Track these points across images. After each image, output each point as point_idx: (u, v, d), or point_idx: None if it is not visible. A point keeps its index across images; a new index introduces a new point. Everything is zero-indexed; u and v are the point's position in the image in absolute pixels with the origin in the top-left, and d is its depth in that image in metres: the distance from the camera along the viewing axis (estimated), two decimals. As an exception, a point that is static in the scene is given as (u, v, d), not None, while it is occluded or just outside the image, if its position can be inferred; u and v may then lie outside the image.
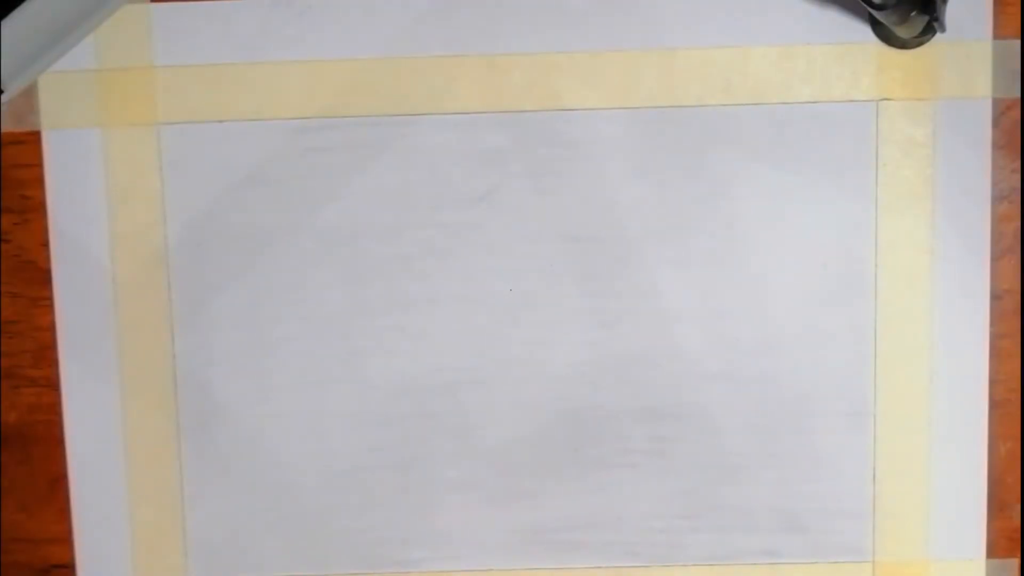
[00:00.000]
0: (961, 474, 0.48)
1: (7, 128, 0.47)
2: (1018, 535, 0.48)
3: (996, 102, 0.47)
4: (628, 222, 0.47)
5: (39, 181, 0.47)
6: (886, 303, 0.47)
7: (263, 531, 0.48)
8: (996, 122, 0.47)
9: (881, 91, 0.47)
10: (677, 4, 0.47)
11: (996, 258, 0.47)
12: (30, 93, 0.47)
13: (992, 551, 0.48)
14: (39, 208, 0.48)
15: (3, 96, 0.44)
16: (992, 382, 0.47)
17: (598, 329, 0.48)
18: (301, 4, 0.47)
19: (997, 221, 0.47)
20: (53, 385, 0.48)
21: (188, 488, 0.48)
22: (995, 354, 0.47)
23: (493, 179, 0.47)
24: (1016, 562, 0.48)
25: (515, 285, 0.48)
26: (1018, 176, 0.47)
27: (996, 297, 0.47)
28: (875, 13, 0.43)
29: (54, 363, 0.48)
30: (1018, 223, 0.47)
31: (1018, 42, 0.46)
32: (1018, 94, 0.47)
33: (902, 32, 0.45)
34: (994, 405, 0.47)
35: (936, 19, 0.43)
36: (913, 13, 0.42)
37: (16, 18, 0.44)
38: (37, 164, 0.47)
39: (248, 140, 0.47)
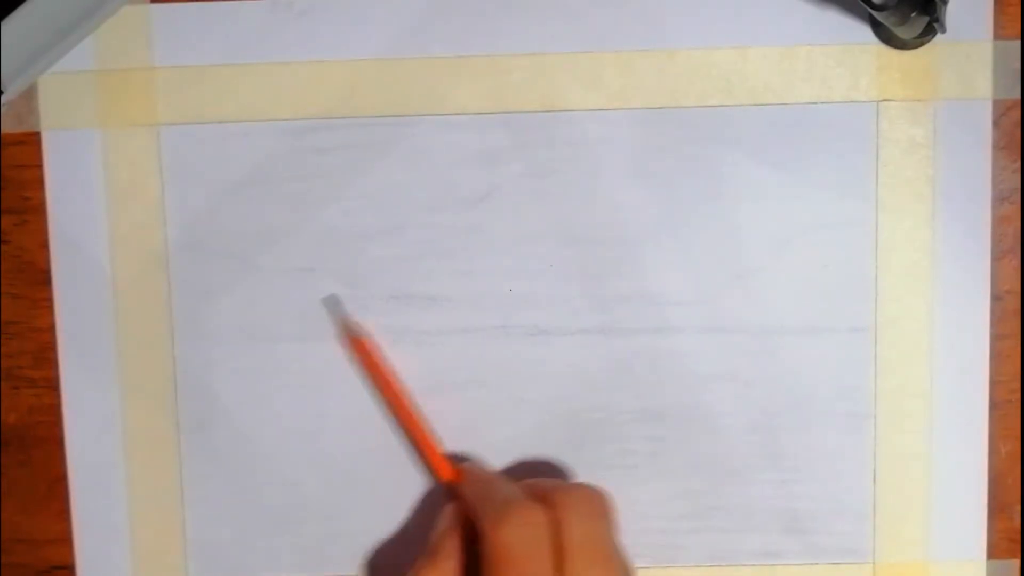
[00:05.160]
0: (962, 475, 0.47)
1: (7, 129, 0.47)
2: (1019, 536, 0.48)
3: (997, 103, 0.47)
4: (628, 222, 0.47)
5: (39, 182, 0.47)
6: (886, 303, 0.47)
7: (263, 532, 0.48)
8: (997, 123, 0.47)
9: (881, 92, 0.47)
10: (677, 4, 0.47)
11: (997, 259, 0.47)
12: (30, 94, 0.47)
13: (993, 552, 0.48)
14: (39, 209, 0.48)
15: (3, 97, 0.44)
16: (993, 383, 0.47)
17: (598, 329, 0.48)
18: (301, 5, 0.47)
19: (998, 222, 0.47)
20: (53, 386, 0.48)
21: (188, 489, 0.48)
22: (996, 355, 0.47)
23: (493, 179, 0.47)
24: (1017, 563, 0.48)
25: (515, 285, 0.48)
26: (1019, 177, 0.47)
27: (997, 298, 0.47)
28: (875, 14, 0.43)
29: (54, 364, 0.48)
30: (1019, 224, 0.47)
31: (1019, 43, 0.46)
32: (1019, 95, 0.46)
33: (902, 33, 0.45)
34: (995, 406, 0.47)
35: (936, 20, 0.43)
36: (913, 14, 0.42)
37: (16, 19, 0.44)
38: (37, 165, 0.47)
39: (248, 141, 0.47)
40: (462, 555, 0.43)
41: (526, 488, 0.43)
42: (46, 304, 0.48)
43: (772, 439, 0.48)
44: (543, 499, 0.41)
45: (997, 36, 0.46)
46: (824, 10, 0.46)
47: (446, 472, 0.46)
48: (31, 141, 0.47)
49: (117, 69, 0.47)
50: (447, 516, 0.44)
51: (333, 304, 0.47)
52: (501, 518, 0.40)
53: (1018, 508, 0.48)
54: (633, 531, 0.48)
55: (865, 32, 0.47)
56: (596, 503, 0.42)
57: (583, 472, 0.48)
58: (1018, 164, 0.47)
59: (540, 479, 0.45)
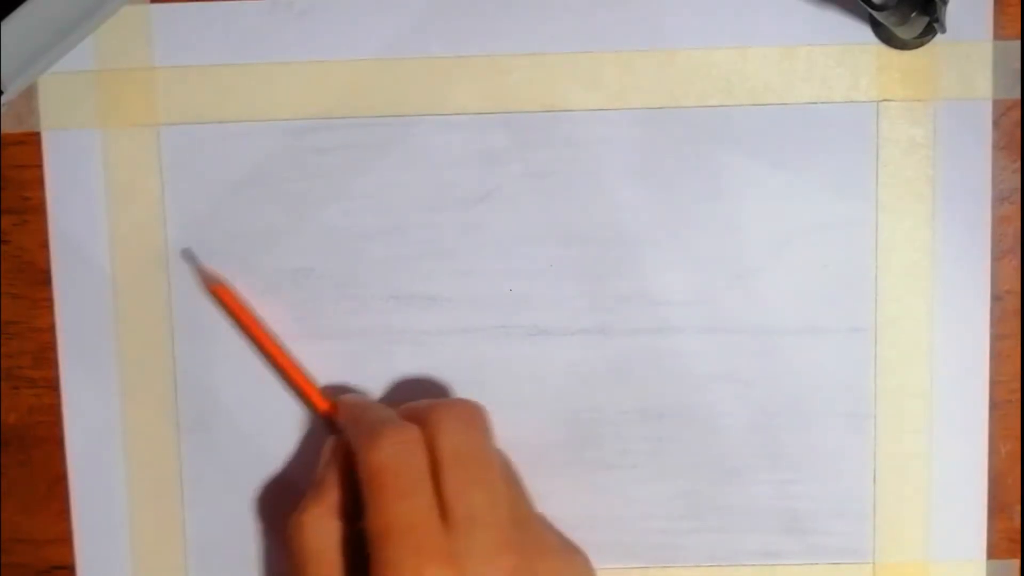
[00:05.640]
0: (961, 475, 0.47)
1: (7, 129, 0.47)
2: (1019, 536, 0.48)
3: (997, 103, 0.47)
4: (628, 222, 0.47)
5: (39, 182, 0.47)
6: (886, 303, 0.47)
7: (263, 533, 0.48)
8: (997, 123, 0.47)
9: (881, 92, 0.47)
10: (677, 4, 0.47)
11: (997, 259, 0.47)
12: (30, 94, 0.47)
13: (992, 552, 0.48)
14: (39, 209, 0.48)
15: (3, 97, 0.44)
16: (993, 383, 0.47)
17: (598, 329, 0.48)
18: (301, 4, 0.47)
19: (998, 222, 0.47)
20: (53, 386, 0.48)
21: (188, 489, 0.48)
22: (996, 355, 0.47)
23: (493, 179, 0.47)
24: (1017, 563, 0.48)
25: (515, 285, 0.48)
26: (1019, 177, 0.47)
27: (997, 298, 0.47)
28: (875, 14, 0.42)
29: (54, 364, 0.48)
30: (1019, 224, 0.47)
31: (1019, 43, 0.46)
32: (1019, 95, 0.46)
33: (902, 33, 0.45)
34: (994, 406, 0.47)
35: (936, 20, 0.43)
36: (913, 14, 0.42)
37: (16, 19, 0.44)
38: (37, 165, 0.47)
39: (248, 141, 0.47)
40: (344, 486, 0.43)
41: (401, 412, 0.43)
42: (46, 304, 0.48)
43: (772, 439, 0.48)
44: (416, 419, 0.42)
45: (997, 36, 0.46)
46: (824, 10, 0.46)
47: (322, 404, 0.46)
48: (31, 141, 0.47)
49: (117, 69, 0.47)
50: (327, 450, 0.44)
51: (189, 257, 0.47)
52: (373, 440, 0.40)
53: (1018, 508, 0.48)
54: (633, 531, 0.48)
55: (865, 32, 0.47)
56: (467, 414, 0.42)
57: (583, 473, 0.48)
58: (1018, 164, 0.47)
59: (416, 401, 0.45)
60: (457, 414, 0.42)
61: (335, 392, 0.47)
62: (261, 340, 0.47)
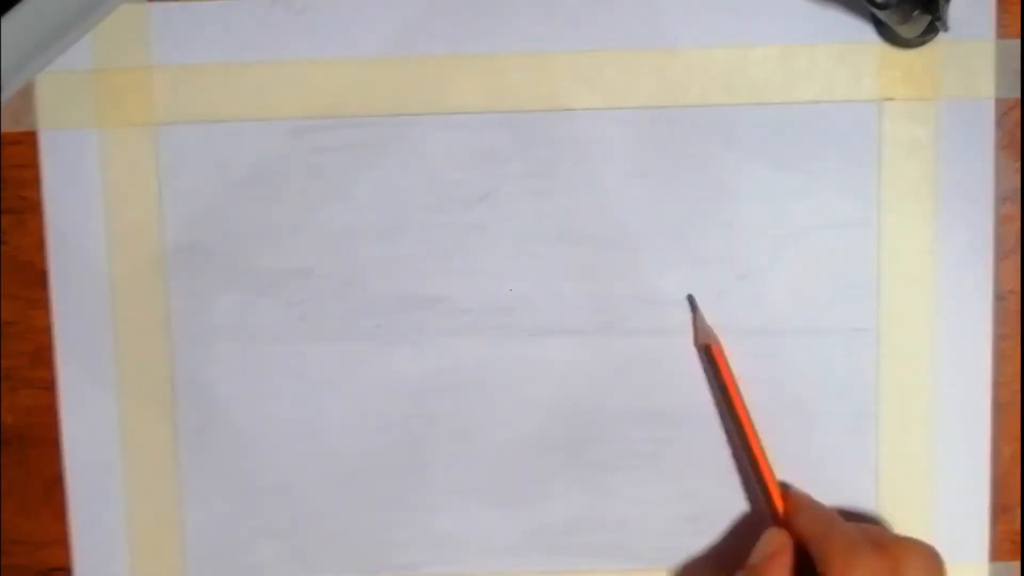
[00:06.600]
0: (964, 477, 0.47)
1: (4, 128, 0.47)
2: (1021, 538, 0.47)
3: (999, 102, 0.46)
4: (628, 222, 0.47)
5: (36, 181, 0.47)
6: (888, 304, 0.47)
7: (262, 534, 0.48)
8: (999, 122, 0.46)
9: (883, 91, 0.47)
10: (677, 4, 0.47)
11: (999, 259, 0.47)
12: (27, 93, 0.47)
13: (995, 554, 0.48)
14: (36, 209, 0.47)
15: (0, 96, 0.44)
16: (995, 384, 0.47)
17: (598, 329, 0.47)
18: (300, 3, 0.47)
19: (1000, 222, 0.47)
20: (50, 387, 0.48)
21: (186, 491, 0.48)
22: (998, 356, 0.47)
23: (493, 179, 0.47)
24: (1019, 565, 0.48)
25: (515, 285, 0.47)
26: (1021, 176, 0.47)
27: (999, 298, 0.47)
28: (877, 13, 0.42)
29: (51, 365, 0.48)
30: (1021, 223, 0.47)
31: (1021, 42, 0.46)
32: (1021, 94, 0.46)
33: (904, 32, 0.45)
34: (997, 407, 0.47)
35: (939, 19, 0.43)
36: (915, 12, 0.42)
37: (13, 18, 0.43)
38: (34, 165, 0.47)
39: (247, 140, 0.47)
40: None
41: (861, 532, 0.43)
42: (43, 304, 0.48)
43: (772, 439, 0.48)
44: (881, 548, 0.42)
45: (1000, 35, 0.46)
46: (826, 9, 0.46)
47: (779, 503, 0.46)
48: (28, 140, 0.47)
49: (114, 68, 0.47)
50: (775, 541, 0.45)
51: (693, 304, 0.47)
52: (850, 563, 0.41)
53: (1020, 510, 0.47)
54: (633, 532, 0.48)
55: (867, 31, 0.46)
56: (934, 562, 0.43)
57: (585, 474, 0.48)
58: (1020, 163, 0.47)
59: (869, 525, 0.45)
60: (926, 557, 0.42)
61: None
62: (740, 413, 0.46)
